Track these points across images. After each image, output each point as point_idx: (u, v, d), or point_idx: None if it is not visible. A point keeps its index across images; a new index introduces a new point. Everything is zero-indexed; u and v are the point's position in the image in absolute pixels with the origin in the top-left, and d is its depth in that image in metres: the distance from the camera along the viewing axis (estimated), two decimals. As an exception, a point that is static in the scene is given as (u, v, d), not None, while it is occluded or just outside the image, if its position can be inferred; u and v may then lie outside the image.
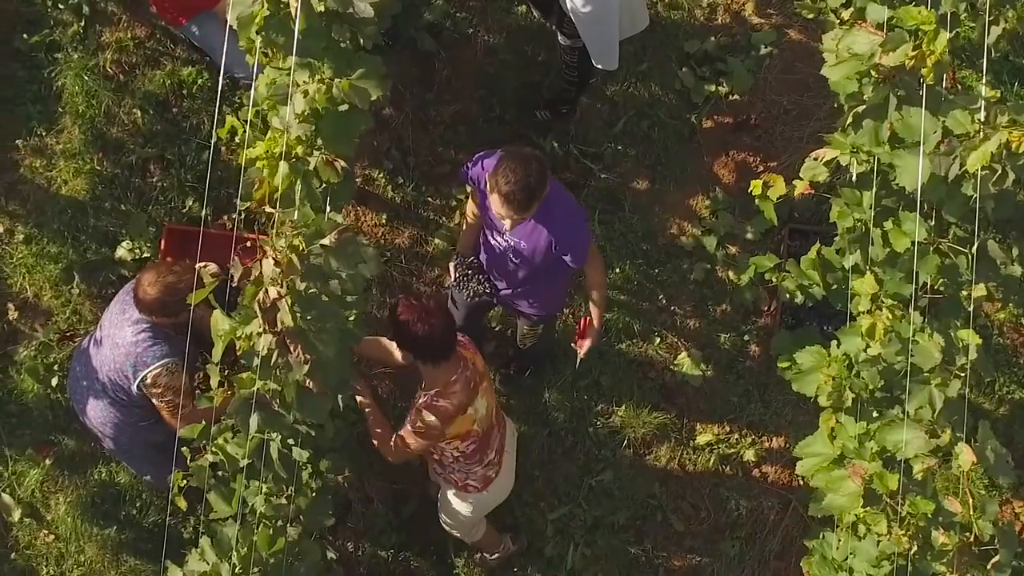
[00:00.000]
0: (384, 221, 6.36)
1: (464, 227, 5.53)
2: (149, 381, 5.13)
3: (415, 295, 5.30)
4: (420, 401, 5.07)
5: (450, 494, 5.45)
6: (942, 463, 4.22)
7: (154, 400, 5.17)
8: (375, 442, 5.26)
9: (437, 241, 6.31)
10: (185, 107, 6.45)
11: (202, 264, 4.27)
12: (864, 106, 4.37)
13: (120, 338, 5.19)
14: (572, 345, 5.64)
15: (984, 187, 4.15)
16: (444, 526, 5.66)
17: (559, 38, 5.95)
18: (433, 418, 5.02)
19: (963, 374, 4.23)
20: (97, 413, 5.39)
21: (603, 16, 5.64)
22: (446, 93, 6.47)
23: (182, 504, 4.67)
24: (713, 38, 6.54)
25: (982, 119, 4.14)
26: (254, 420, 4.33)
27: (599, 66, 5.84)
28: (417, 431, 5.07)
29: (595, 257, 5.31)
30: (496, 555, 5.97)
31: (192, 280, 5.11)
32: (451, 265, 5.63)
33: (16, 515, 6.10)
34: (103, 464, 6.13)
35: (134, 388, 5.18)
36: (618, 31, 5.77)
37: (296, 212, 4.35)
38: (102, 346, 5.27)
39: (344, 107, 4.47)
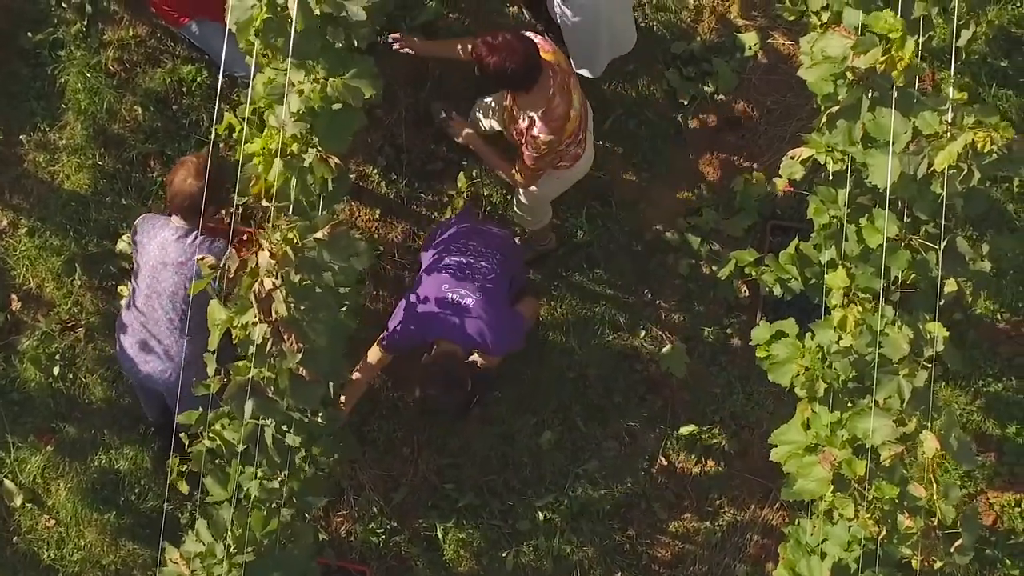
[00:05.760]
0: (378, 216, 6.50)
1: None
2: None
3: (491, 34, 5.44)
4: (526, 126, 5.39)
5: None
6: (910, 451, 4.38)
7: None
8: (501, 174, 5.72)
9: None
10: (185, 104, 6.57)
11: (199, 256, 4.43)
12: (839, 107, 4.53)
13: (176, 256, 5.41)
14: None
15: (951, 185, 4.29)
16: (516, 211, 6.04)
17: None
18: (549, 136, 5.39)
19: (930, 365, 4.39)
20: (174, 356, 5.51)
21: (588, 27, 5.90)
22: (438, 92, 6.61)
23: (183, 488, 4.83)
24: (699, 39, 6.67)
25: (950, 120, 4.30)
26: (249, 406, 4.49)
27: (580, 72, 6.06)
28: (540, 153, 5.43)
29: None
30: (543, 246, 6.30)
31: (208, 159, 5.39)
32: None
33: (18, 501, 6.23)
34: (103, 451, 6.27)
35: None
36: (604, 42, 6.01)
37: (291, 207, 4.52)
38: (161, 280, 5.44)
39: (338, 106, 4.63)
